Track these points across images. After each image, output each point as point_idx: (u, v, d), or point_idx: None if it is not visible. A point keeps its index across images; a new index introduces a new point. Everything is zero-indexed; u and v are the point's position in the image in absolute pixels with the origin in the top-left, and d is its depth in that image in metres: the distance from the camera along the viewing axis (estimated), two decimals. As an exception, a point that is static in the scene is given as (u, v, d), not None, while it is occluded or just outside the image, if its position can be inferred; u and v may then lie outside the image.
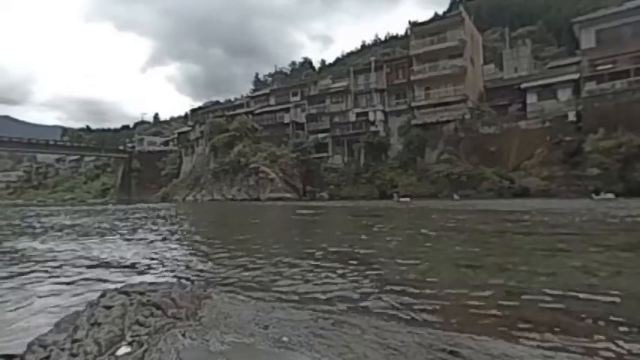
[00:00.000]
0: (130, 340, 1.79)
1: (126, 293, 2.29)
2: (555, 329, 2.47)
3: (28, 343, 1.85)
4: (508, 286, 3.63)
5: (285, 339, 1.78)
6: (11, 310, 3.25)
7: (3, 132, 74.25)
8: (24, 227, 12.70)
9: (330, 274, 4.29)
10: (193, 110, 66.44)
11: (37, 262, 5.69)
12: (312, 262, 5.04)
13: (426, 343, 1.77)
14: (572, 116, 28.15)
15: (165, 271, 4.90)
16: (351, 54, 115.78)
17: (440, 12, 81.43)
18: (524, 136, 29.52)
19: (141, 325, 1.92)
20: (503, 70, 44.65)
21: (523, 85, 33.31)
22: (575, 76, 30.72)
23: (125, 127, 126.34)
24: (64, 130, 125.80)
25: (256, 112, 49.64)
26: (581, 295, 3.21)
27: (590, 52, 29.52)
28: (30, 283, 4.28)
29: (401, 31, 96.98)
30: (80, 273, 4.79)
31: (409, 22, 39.01)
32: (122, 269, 5.04)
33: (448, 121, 33.92)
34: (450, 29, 35.78)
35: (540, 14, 74.75)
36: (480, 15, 59.31)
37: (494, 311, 2.87)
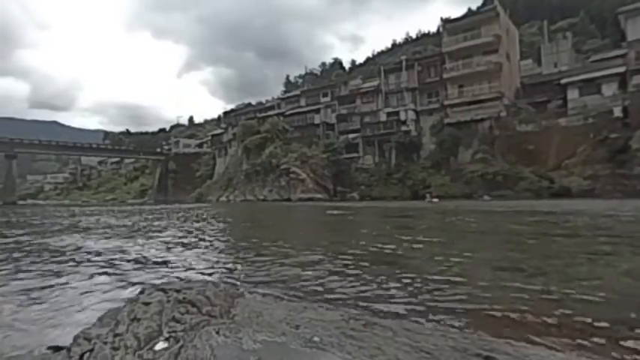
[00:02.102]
0: (167, 335, 1.86)
1: (163, 290, 2.37)
2: (600, 337, 2.34)
3: (74, 336, 1.96)
4: (548, 290, 3.47)
5: (316, 339, 1.78)
6: (59, 305, 3.44)
7: (51, 136, 79.12)
8: (72, 226, 13.43)
9: (360, 275, 4.27)
10: (226, 113, 67.89)
11: (82, 258, 6.00)
12: (343, 262, 5.03)
13: (460, 347, 1.72)
14: (617, 112, 26.61)
15: (200, 269, 5.03)
16: (381, 53, 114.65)
17: (473, 8, 79.10)
18: (565, 133, 28.18)
19: (177, 321, 1.99)
20: (541, 66, 42.87)
21: (563, 81, 31.80)
22: (621, 69, 29.01)
23: (162, 130, 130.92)
24: (106, 134, 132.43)
25: (287, 113, 50.13)
26: (628, 302, 3.02)
27: (638, 43, 27.81)
28: (75, 278, 4.52)
29: (433, 29, 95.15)
30: (121, 270, 5.01)
31: (441, 19, 38.17)
32: (159, 267, 5.23)
33: (483, 120, 32.92)
34: (484, 25, 34.73)
35: (582, 5, 71.05)
36: (517, 8, 57.07)
37: (532, 316, 2.75)
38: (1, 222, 17.22)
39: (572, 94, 30.94)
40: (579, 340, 2.30)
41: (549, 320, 2.67)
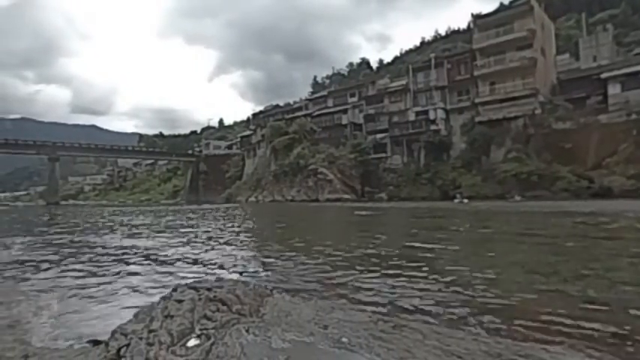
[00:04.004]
0: (198, 332, 1.91)
1: (195, 289, 2.43)
2: (645, 345, 2.21)
3: (112, 331, 2.04)
4: (587, 294, 3.32)
5: (344, 340, 1.78)
6: (98, 301, 3.60)
7: (90, 140, 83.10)
8: (111, 225, 14.02)
9: (390, 277, 4.22)
10: (255, 115, 68.82)
11: (120, 256, 6.25)
12: (372, 264, 4.99)
13: (494, 352, 1.67)
14: (664, 107, 25.05)
15: (230, 267, 5.13)
16: (409, 52, 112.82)
17: (505, 3, 76.57)
18: (606, 130, 26.78)
19: (208, 319, 2.04)
20: (579, 60, 41.00)
21: (604, 75, 30.24)
22: (668, 61, 27.29)
23: (193, 133, 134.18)
24: (141, 137, 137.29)
25: (314, 114, 50.25)
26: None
27: (687, 33, 26.07)
28: (113, 275, 4.71)
29: (462, 25, 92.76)
30: (155, 267, 5.18)
31: (472, 15, 37.17)
32: (191, 264, 5.37)
33: (516, 117, 31.80)
34: (517, 19, 33.54)
35: (624, -5, 67.29)
36: (552, 1, 54.72)
37: (570, 321, 2.63)
38: (46, 222, 18.21)
39: (614, 89, 29.37)
40: (622, 348, 2.18)
41: (588, 327, 2.55)
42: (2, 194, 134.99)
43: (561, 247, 6.35)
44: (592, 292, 3.37)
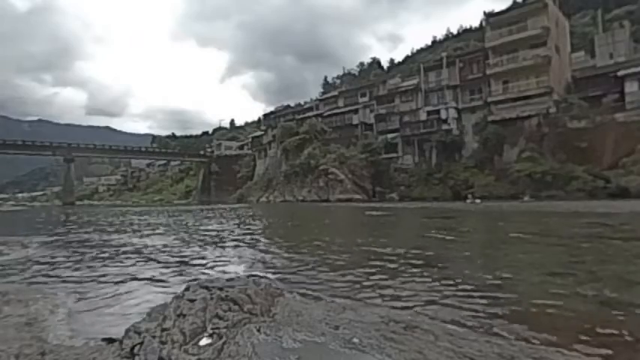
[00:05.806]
0: (210, 332, 1.92)
1: (207, 288, 2.45)
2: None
3: (126, 329, 2.07)
4: (604, 296, 3.25)
5: (355, 340, 1.78)
6: (112, 300, 3.66)
7: (105, 141, 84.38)
8: (127, 225, 14.22)
9: (402, 277, 4.20)
10: (266, 115, 69.14)
11: (136, 255, 6.33)
12: (384, 264, 4.97)
13: (507, 355, 1.65)
14: (684, 105, 24.40)
15: (242, 266, 5.16)
16: (421, 51, 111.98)
17: (518, 0, 75.36)
18: (623, 129, 26.20)
19: (220, 318, 2.05)
20: (595, 58, 40.19)
21: (620, 73, 29.61)
22: (688, 58, 26.58)
23: (205, 133, 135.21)
24: (154, 138, 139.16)
25: (325, 114, 50.26)
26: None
27: None
28: (128, 274, 4.78)
29: (474, 24, 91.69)
30: (168, 266, 5.24)
31: (484, 13, 36.85)
32: (204, 263, 5.41)
33: (530, 116, 31.34)
34: (531, 16, 33.07)
35: (641, -9, 65.66)
36: (567, -2, 53.79)
37: (586, 324, 2.58)
38: (62, 221, 18.57)
39: (631, 86, 28.73)
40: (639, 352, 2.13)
41: (605, 329, 2.49)
42: (20, 194, 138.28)
43: (577, 248, 6.23)
44: (608, 294, 3.30)
